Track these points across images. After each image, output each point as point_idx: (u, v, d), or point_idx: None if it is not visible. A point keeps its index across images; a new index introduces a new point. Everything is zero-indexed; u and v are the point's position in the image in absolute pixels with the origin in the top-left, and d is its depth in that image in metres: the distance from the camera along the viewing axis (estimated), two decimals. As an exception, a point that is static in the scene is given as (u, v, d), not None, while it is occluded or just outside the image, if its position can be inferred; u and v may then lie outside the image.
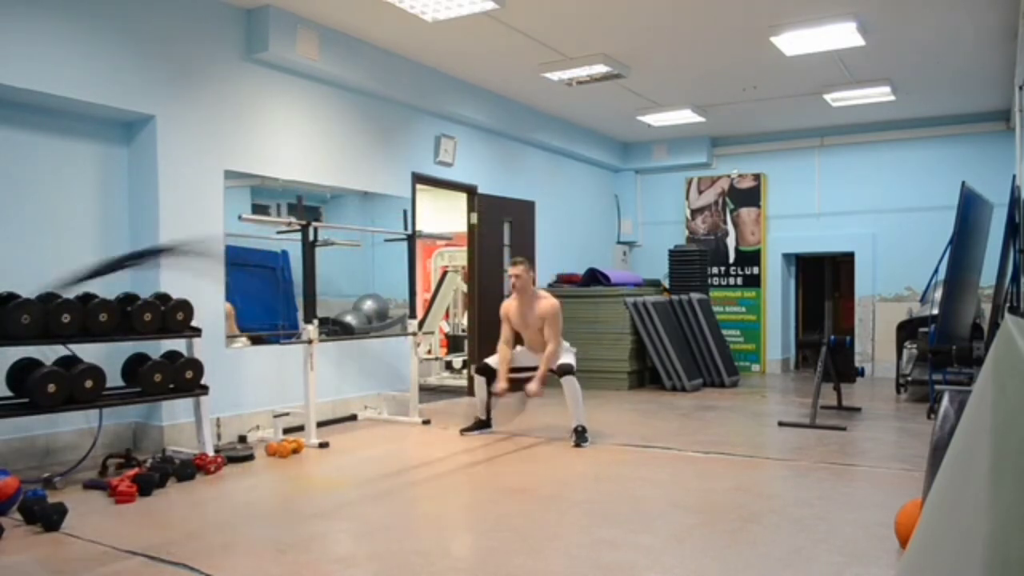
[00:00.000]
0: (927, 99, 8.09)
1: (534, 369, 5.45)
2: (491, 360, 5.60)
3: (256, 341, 5.83)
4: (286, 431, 5.25)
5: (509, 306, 5.61)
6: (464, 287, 8.77)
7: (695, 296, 8.47)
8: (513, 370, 5.52)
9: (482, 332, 7.67)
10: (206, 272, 4.95)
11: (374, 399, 6.42)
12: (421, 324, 7.00)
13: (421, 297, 8.12)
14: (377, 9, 5.39)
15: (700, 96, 8.08)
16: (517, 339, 5.69)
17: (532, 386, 5.31)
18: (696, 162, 10.13)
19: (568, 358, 5.44)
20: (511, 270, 5.55)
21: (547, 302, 5.46)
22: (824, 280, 11.20)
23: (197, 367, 4.58)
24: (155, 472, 4.00)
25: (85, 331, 4.07)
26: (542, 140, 8.67)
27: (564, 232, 9.27)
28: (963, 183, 6.21)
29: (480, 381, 5.58)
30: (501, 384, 5.42)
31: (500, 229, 8.10)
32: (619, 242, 10.61)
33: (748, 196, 9.86)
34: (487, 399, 5.58)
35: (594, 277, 8.55)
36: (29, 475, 4.10)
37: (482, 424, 5.61)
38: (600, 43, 6.35)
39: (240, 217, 5.16)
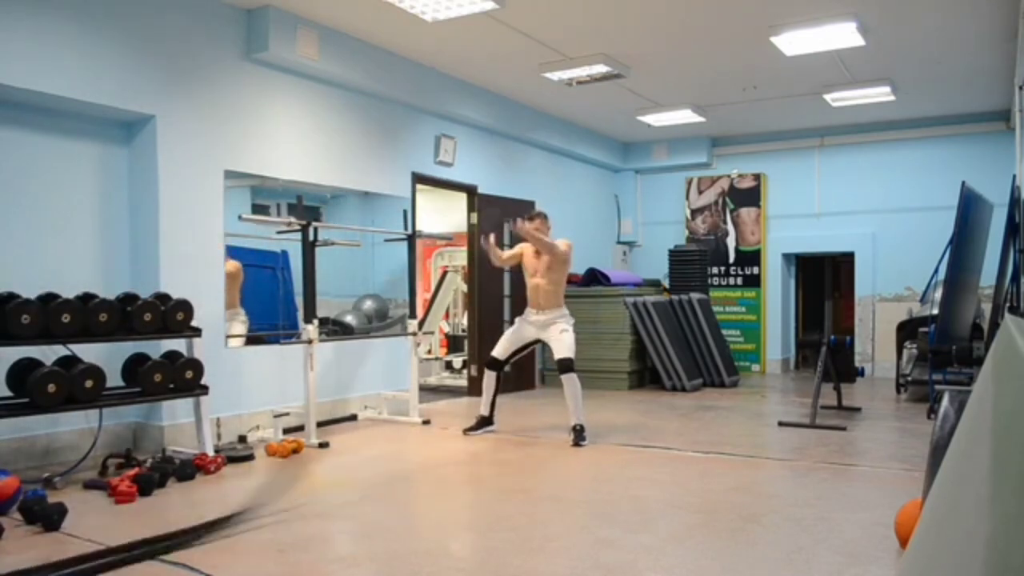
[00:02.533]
0: (927, 99, 8.09)
1: (534, 344, 5.60)
2: (497, 351, 5.60)
3: (256, 341, 5.83)
4: (286, 431, 5.25)
5: (525, 246, 5.57)
6: (464, 287, 8.76)
7: (695, 296, 8.47)
8: (513, 353, 5.59)
9: (482, 332, 7.67)
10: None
11: (374, 399, 6.42)
12: (421, 324, 6.99)
13: (421, 297, 8.11)
14: (377, 9, 5.39)
15: (700, 96, 8.08)
16: (522, 300, 5.66)
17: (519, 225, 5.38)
18: (696, 162, 10.13)
19: (566, 333, 5.39)
20: (528, 225, 5.50)
21: (562, 240, 5.51)
22: (824, 280, 11.21)
23: (197, 367, 4.58)
24: (155, 472, 4.00)
25: (85, 331, 4.07)
26: (542, 140, 8.67)
27: (564, 232, 9.17)
28: (963, 183, 6.21)
29: (490, 375, 5.58)
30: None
31: (500, 229, 8.09)
32: (619, 242, 10.61)
33: (748, 196, 9.85)
34: (493, 394, 5.58)
35: (594, 277, 8.54)
36: (29, 475, 4.10)
37: (485, 421, 5.60)
38: (600, 43, 6.34)
39: (240, 217, 5.17)
